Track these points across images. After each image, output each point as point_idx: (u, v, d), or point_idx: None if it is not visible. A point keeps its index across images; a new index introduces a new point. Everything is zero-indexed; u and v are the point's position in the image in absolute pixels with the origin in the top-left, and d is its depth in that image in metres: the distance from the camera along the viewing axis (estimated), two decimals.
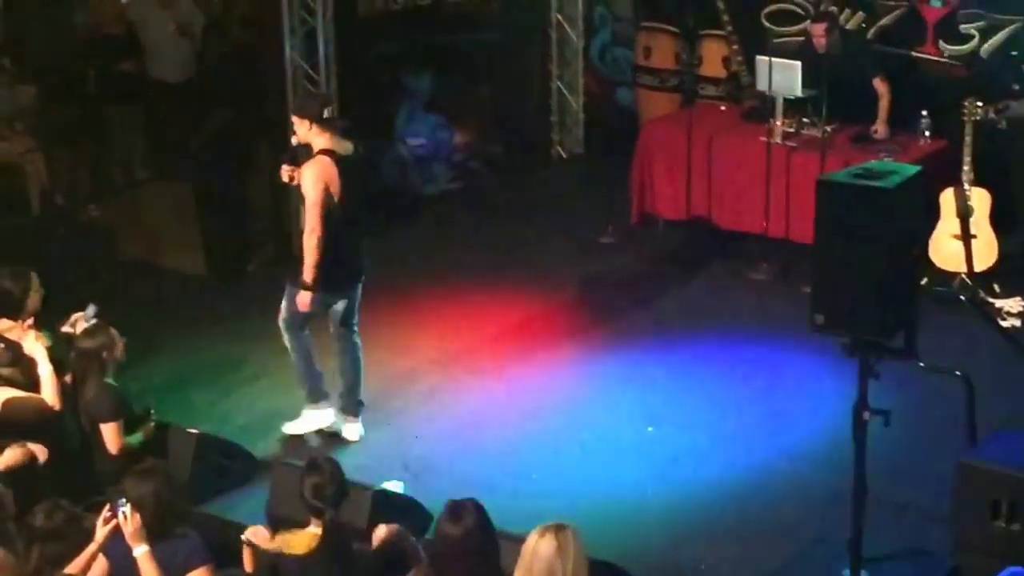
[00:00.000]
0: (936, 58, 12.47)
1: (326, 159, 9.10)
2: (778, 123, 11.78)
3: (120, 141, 13.83)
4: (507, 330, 11.08)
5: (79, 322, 8.66)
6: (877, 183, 7.19)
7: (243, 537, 7.01)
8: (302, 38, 12.44)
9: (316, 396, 9.62)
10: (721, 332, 10.92)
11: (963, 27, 12.32)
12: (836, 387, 9.18)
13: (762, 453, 9.28)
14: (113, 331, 8.40)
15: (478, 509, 6.25)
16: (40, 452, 8.20)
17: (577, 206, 13.47)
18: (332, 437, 9.57)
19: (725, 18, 13.00)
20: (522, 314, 11.34)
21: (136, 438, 8.38)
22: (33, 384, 8.35)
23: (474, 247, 12.62)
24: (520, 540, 6.10)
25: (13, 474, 7.88)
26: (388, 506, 7.85)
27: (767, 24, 13.32)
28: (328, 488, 6.91)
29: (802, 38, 12.61)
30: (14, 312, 8.58)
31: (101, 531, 6.75)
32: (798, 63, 11.57)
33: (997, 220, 11.06)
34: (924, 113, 11.76)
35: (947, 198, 10.98)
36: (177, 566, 6.73)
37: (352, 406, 9.61)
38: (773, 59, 11.68)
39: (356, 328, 9.53)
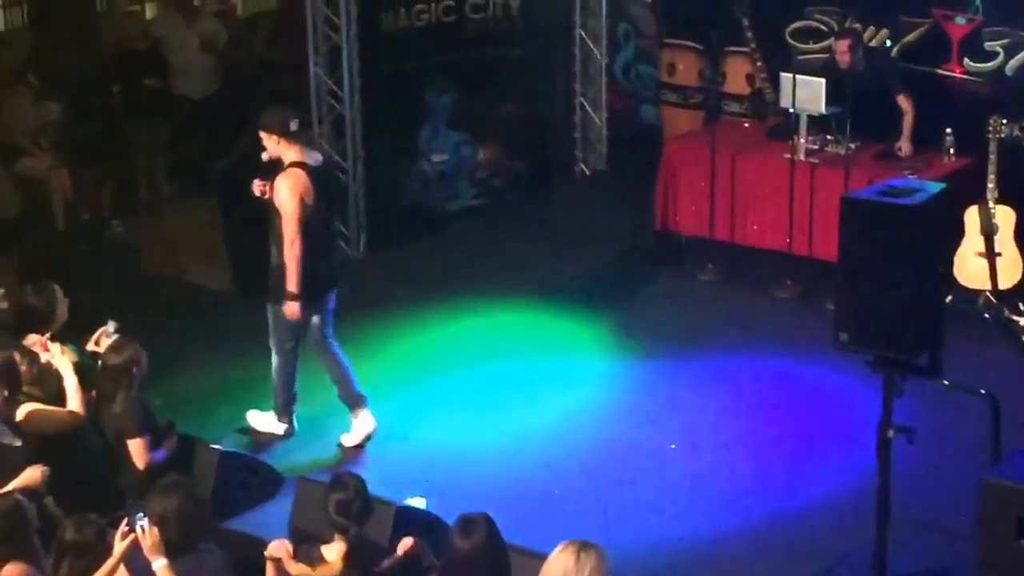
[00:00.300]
0: (960, 75, 12.45)
1: (299, 171, 9.18)
2: (802, 140, 11.77)
3: (144, 157, 13.87)
4: (530, 346, 11.09)
5: (102, 338, 8.70)
6: (901, 200, 7.18)
7: (266, 553, 7.01)
8: (326, 54, 12.49)
9: (282, 412, 9.77)
10: (745, 349, 10.91)
11: (988, 44, 12.30)
12: (860, 405, 9.16)
13: (786, 470, 9.28)
14: (137, 345, 8.43)
15: (489, 524, 6.26)
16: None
17: (600, 223, 13.46)
18: (359, 448, 9.63)
19: (749, 35, 12.99)
20: (546, 330, 11.35)
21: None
22: (56, 399, 8.37)
23: (497, 264, 12.62)
24: (539, 557, 6.10)
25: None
26: (411, 522, 7.84)
27: (791, 41, 13.30)
28: (353, 504, 6.91)
29: (826, 55, 12.59)
30: (45, 326, 8.66)
31: (119, 545, 6.75)
32: (823, 80, 11.56)
33: (1022, 238, 11.03)
34: (948, 130, 11.73)
35: (972, 216, 10.96)
36: None
37: (353, 399, 9.67)
38: (797, 76, 11.67)
39: (332, 333, 9.62)
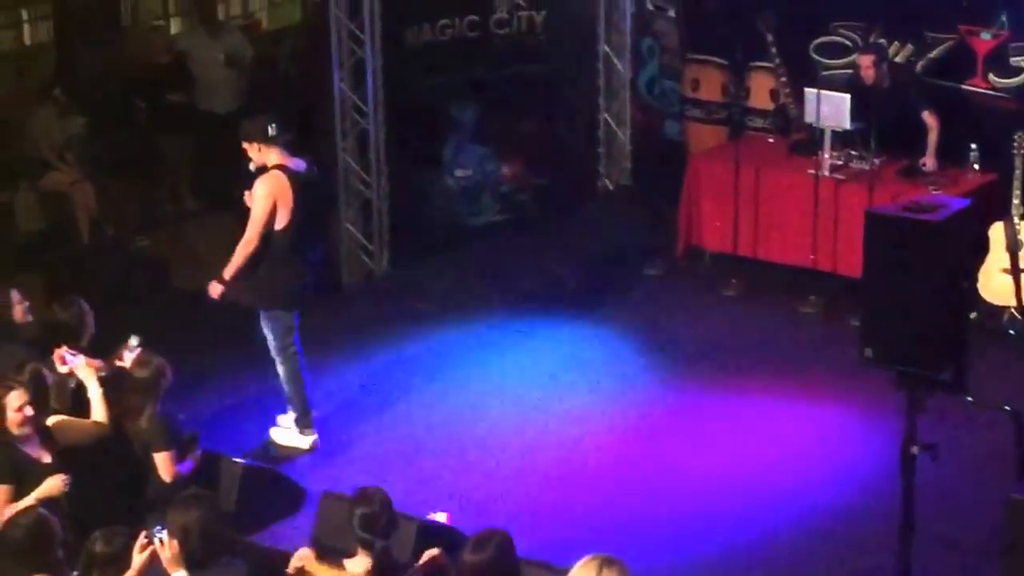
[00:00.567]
0: (986, 91, 12.41)
1: (279, 173, 9.28)
2: (826, 156, 11.75)
3: (169, 171, 13.91)
4: (555, 362, 11.08)
5: (125, 352, 8.74)
6: (926, 216, 7.16)
7: (289, 570, 7.00)
8: (350, 69, 12.50)
9: (303, 424, 9.80)
10: (769, 364, 10.89)
11: (1013, 60, 12.27)
12: (885, 421, 9.14)
13: (810, 487, 9.25)
14: (162, 359, 8.46)
15: (503, 541, 6.26)
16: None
17: (624, 238, 13.45)
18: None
19: (773, 50, 12.98)
20: (570, 346, 11.34)
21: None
22: (71, 412, 8.41)
23: (521, 279, 12.61)
24: (562, 572, 6.10)
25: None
26: (434, 537, 7.82)
27: (815, 56, 13.28)
28: (378, 519, 6.91)
29: (850, 70, 12.57)
30: (75, 339, 8.78)
31: (138, 558, 6.75)
32: (847, 95, 11.56)
33: None
34: (973, 146, 11.72)
35: (996, 232, 10.93)
36: None
37: (302, 418, 9.76)
38: (821, 91, 11.67)
39: (297, 339, 9.69)
